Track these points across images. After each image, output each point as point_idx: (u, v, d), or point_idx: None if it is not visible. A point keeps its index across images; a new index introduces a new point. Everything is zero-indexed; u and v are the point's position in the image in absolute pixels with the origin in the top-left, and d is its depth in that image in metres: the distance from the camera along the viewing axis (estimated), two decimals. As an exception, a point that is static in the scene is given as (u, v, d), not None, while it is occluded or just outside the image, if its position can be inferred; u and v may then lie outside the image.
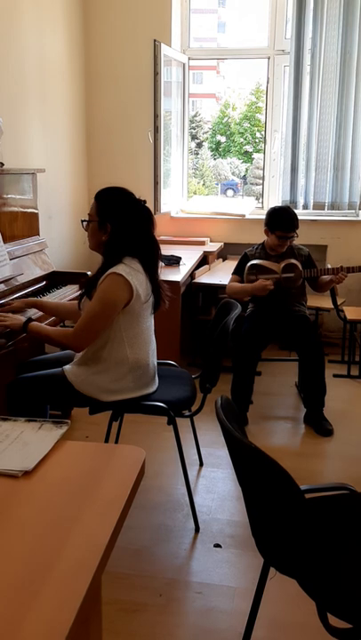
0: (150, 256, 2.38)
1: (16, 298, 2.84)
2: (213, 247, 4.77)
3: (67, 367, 2.44)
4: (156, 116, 4.46)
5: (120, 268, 2.26)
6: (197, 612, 2.05)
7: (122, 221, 2.31)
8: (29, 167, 3.60)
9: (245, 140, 17.91)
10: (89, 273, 3.46)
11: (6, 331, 2.45)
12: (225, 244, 4.92)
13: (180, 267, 4.05)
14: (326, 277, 3.55)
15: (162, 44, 4.33)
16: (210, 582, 2.19)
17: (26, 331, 2.43)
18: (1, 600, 0.90)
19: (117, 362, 2.36)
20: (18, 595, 0.91)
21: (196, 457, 3.04)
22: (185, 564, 2.30)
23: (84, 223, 2.39)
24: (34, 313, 2.75)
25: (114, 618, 2.00)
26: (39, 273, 3.22)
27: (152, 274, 2.38)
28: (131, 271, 2.28)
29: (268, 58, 4.87)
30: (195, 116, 16.76)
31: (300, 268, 3.48)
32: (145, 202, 2.37)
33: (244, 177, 17.31)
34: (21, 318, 2.47)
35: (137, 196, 2.37)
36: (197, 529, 2.50)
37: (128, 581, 2.18)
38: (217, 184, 16.94)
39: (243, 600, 2.07)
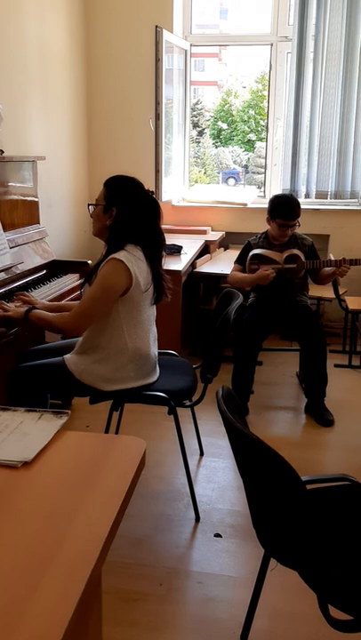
0: (154, 247, 2.38)
1: (16, 286, 2.83)
2: (215, 236, 4.75)
3: (67, 356, 2.43)
4: (158, 104, 4.42)
5: (121, 255, 2.26)
6: (198, 602, 2.05)
7: (127, 207, 2.32)
8: (30, 155, 3.58)
9: (249, 127, 17.76)
10: (89, 262, 3.45)
11: (7, 319, 2.45)
12: (226, 233, 4.90)
13: (182, 256, 4.03)
14: (328, 270, 3.51)
15: (163, 30, 4.29)
16: (210, 572, 2.20)
17: (27, 319, 2.43)
18: (1, 591, 0.90)
19: (117, 351, 2.35)
20: (18, 586, 0.91)
21: (197, 447, 3.04)
22: (185, 554, 2.31)
23: (91, 207, 2.40)
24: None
25: (114, 607, 2.00)
26: (39, 262, 3.20)
27: (154, 264, 2.38)
28: (132, 258, 2.27)
29: (271, 44, 4.82)
30: (196, 103, 16.62)
31: (303, 260, 3.45)
32: (153, 193, 2.39)
33: (246, 166, 17.20)
34: (23, 309, 2.47)
35: (145, 188, 2.39)
36: (198, 518, 2.50)
37: (128, 570, 2.19)
38: (218, 173, 16.84)
39: (243, 590, 2.07)
